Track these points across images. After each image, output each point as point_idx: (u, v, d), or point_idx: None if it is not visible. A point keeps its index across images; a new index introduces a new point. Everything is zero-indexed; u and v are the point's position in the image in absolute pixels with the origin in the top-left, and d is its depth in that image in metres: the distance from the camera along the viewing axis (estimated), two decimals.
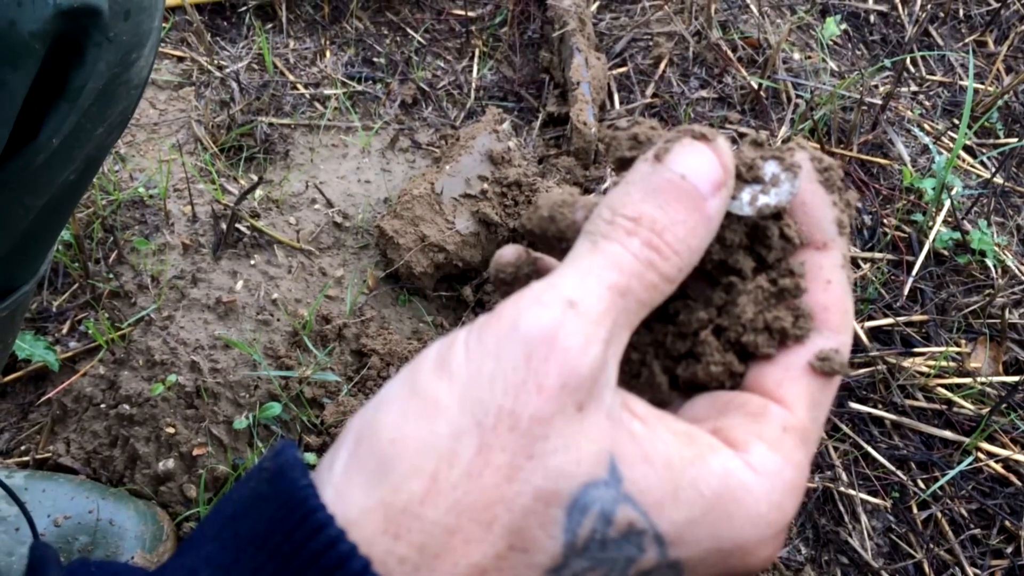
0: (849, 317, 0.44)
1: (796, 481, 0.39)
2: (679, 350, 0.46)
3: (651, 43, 1.79)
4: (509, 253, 0.48)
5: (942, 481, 1.30)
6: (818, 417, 0.42)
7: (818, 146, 1.62)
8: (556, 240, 0.46)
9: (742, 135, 1.68)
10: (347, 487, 0.35)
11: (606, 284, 0.38)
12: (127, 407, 1.24)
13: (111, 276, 1.37)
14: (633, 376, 0.47)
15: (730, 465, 0.38)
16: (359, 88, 1.68)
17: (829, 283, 0.43)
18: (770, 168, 0.44)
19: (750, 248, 0.45)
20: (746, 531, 0.38)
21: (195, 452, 1.21)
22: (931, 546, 1.27)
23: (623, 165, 0.46)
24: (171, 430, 1.22)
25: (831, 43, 1.86)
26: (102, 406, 1.26)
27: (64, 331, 1.33)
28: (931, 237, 1.54)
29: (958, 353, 1.43)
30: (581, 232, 0.40)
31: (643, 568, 0.36)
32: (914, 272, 1.50)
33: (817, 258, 0.44)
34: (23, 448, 1.25)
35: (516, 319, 0.36)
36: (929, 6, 1.96)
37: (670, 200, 0.40)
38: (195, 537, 0.37)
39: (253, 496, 0.36)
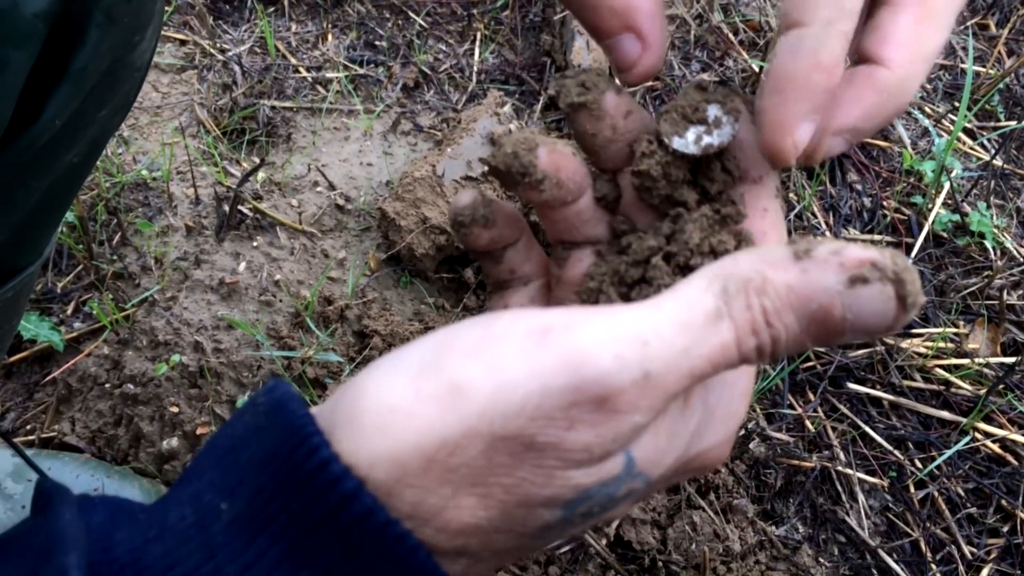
0: (785, 239, 0.46)
1: (747, 389, 0.44)
2: (633, 277, 0.49)
3: None
4: (465, 197, 0.50)
5: (939, 461, 1.31)
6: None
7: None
8: (519, 176, 0.47)
9: None
10: (344, 437, 0.36)
11: (692, 371, 0.37)
12: (131, 387, 1.25)
13: (115, 258, 1.38)
14: (591, 304, 0.50)
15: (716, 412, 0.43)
16: (361, 71, 1.69)
17: (766, 211, 0.47)
18: (713, 111, 0.47)
19: (694, 182, 0.49)
20: (720, 452, 0.43)
21: (199, 431, 1.23)
22: (927, 525, 1.28)
23: (574, 110, 0.49)
24: (175, 409, 1.24)
25: None
26: (107, 386, 1.27)
27: (69, 312, 1.34)
28: (930, 219, 1.54)
29: (956, 334, 1.43)
30: (714, 272, 0.38)
31: (621, 495, 0.38)
32: (913, 254, 1.51)
33: (754, 190, 0.47)
34: (29, 427, 1.27)
35: (585, 361, 0.35)
36: None
37: (817, 330, 0.38)
38: (193, 469, 0.38)
39: (252, 428, 0.37)
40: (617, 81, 0.49)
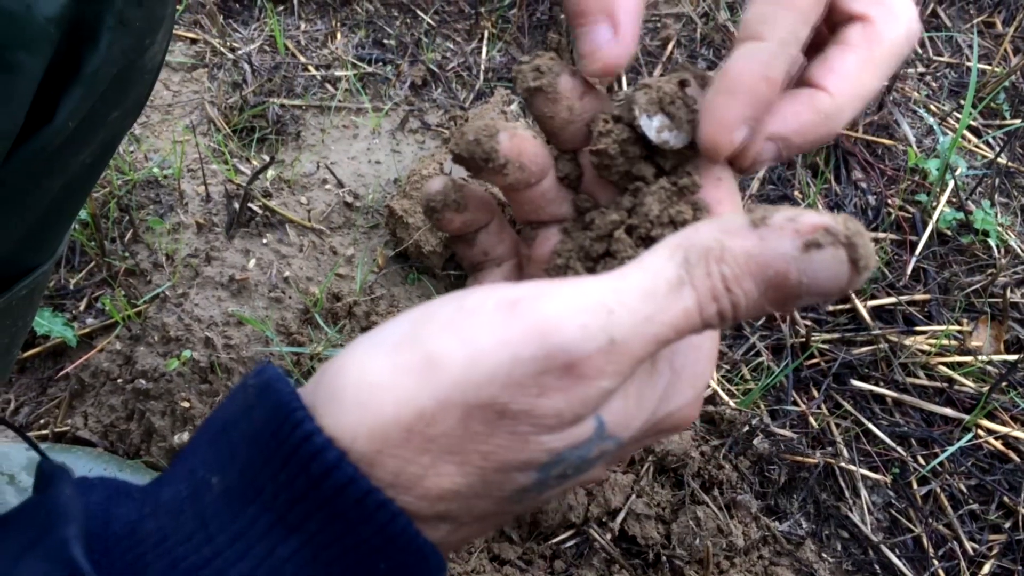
0: (739, 206, 0.48)
1: (712, 351, 0.46)
2: (597, 251, 0.51)
3: (659, 24, 1.80)
4: (437, 183, 0.52)
5: (942, 457, 1.32)
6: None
7: None
8: (482, 161, 0.49)
9: None
10: (327, 412, 0.38)
11: (656, 337, 0.39)
12: (143, 382, 1.27)
13: (127, 254, 1.40)
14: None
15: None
16: (369, 70, 1.70)
17: (719, 180, 0.49)
18: (683, 112, 0.48)
19: (650, 157, 0.51)
20: (688, 413, 0.45)
21: None
22: (930, 521, 1.29)
23: (531, 94, 0.50)
24: (186, 404, 1.25)
25: None
26: (119, 381, 1.29)
27: (81, 308, 1.36)
28: (935, 217, 1.55)
29: (959, 332, 1.44)
30: (676, 242, 0.40)
31: (593, 456, 0.40)
32: (917, 252, 1.52)
33: (708, 161, 0.49)
34: (42, 422, 1.28)
35: (551, 330, 0.37)
36: None
37: (774, 294, 0.39)
38: (187, 449, 0.40)
39: (242, 408, 0.39)
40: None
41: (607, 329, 0.37)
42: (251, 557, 0.36)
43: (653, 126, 0.48)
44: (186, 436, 1.23)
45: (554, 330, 0.37)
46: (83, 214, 1.36)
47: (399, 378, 0.38)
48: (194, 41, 1.70)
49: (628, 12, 0.46)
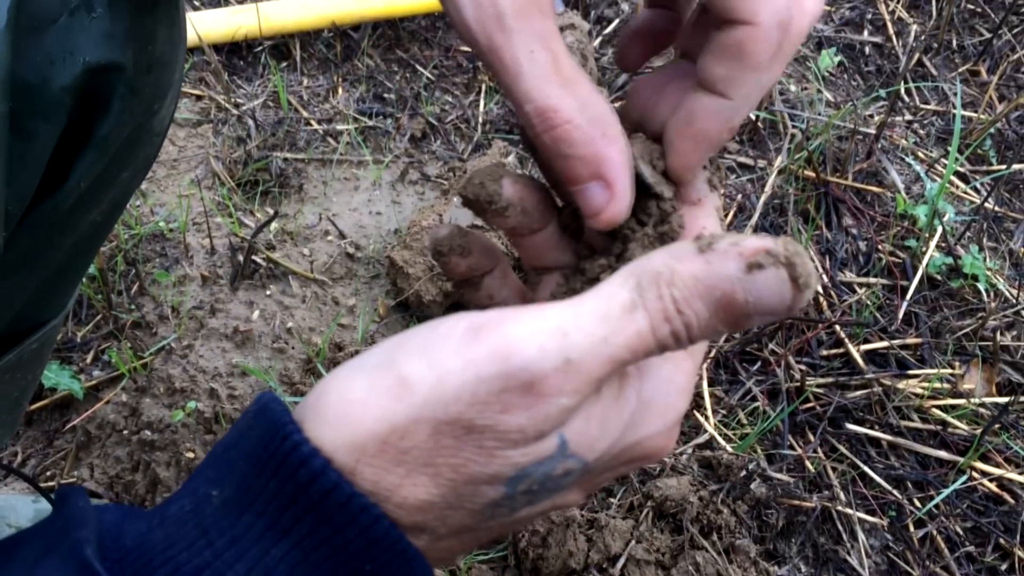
0: None
1: (686, 385, 0.48)
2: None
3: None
4: (444, 228, 0.54)
5: (937, 500, 1.33)
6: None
7: (813, 174, 1.67)
8: (486, 203, 0.52)
9: (741, 165, 1.73)
10: (315, 426, 0.41)
11: (612, 357, 0.41)
12: (149, 433, 1.29)
13: (133, 307, 1.43)
14: None
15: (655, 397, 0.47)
16: (370, 123, 1.74)
17: (704, 228, 0.52)
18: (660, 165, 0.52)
19: (634, 213, 0.53)
20: (655, 437, 0.47)
21: None
22: (927, 564, 1.30)
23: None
24: (191, 455, 1.27)
25: (827, 74, 1.91)
26: (125, 432, 1.31)
27: (88, 360, 1.39)
28: (924, 262, 1.58)
29: (952, 375, 1.46)
30: (629, 270, 0.43)
31: (557, 474, 0.43)
32: (908, 296, 1.55)
33: (694, 211, 0.52)
34: (49, 473, 1.30)
35: (512, 352, 0.40)
36: (923, 37, 2.01)
37: (725, 315, 0.42)
38: (195, 471, 0.44)
39: (242, 430, 0.43)
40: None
41: (563, 350, 0.40)
42: (247, 559, 0.40)
43: (647, 174, 0.51)
44: None
45: (515, 351, 0.40)
46: (91, 268, 1.39)
47: (375, 397, 0.41)
48: (199, 98, 1.75)
49: (617, 168, 0.48)
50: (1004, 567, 1.31)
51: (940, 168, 1.77)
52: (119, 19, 0.56)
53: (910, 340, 1.50)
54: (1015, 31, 2.05)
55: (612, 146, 0.48)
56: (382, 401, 0.41)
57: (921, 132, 1.85)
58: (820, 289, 1.55)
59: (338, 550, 0.40)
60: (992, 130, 1.82)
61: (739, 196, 1.68)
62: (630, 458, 0.47)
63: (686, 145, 0.49)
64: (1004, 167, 1.78)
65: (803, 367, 1.45)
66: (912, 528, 1.33)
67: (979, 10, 2.09)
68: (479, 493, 0.42)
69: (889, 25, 2.02)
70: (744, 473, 1.32)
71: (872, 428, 1.41)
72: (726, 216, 1.65)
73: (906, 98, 1.90)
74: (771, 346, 1.47)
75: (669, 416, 0.47)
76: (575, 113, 0.47)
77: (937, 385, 1.44)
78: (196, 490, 0.42)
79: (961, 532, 1.33)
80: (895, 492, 1.35)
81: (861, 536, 1.32)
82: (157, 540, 0.41)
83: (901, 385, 1.43)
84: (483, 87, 1.82)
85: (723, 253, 0.41)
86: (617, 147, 0.48)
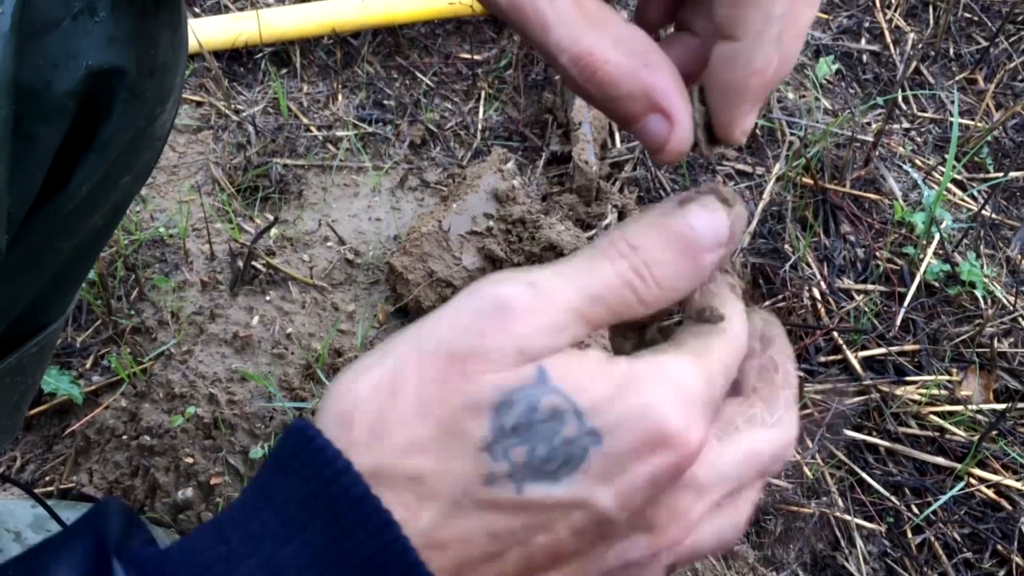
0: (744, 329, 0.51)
1: (705, 366, 0.45)
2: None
3: None
4: None
5: (935, 506, 1.34)
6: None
7: (812, 182, 1.68)
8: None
9: (740, 172, 1.74)
10: (320, 409, 0.43)
11: (578, 286, 0.43)
12: (148, 438, 1.29)
13: (133, 313, 1.43)
14: None
15: (646, 357, 0.44)
16: (370, 130, 1.75)
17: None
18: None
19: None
20: (656, 395, 0.42)
21: (213, 481, 1.26)
22: (925, 570, 1.30)
23: None
24: (190, 460, 1.28)
25: (825, 82, 1.92)
26: (124, 437, 1.31)
27: (88, 366, 1.39)
28: (922, 269, 1.58)
29: (949, 381, 1.47)
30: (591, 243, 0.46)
31: (567, 437, 0.41)
32: (906, 303, 1.55)
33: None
34: (48, 478, 1.30)
35: (479, 286, 0.43)
36: (920, 45, 2.02)
37: (671, 243, 0.45)
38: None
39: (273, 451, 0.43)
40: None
41: (528, 279, 0.42)
42: (260, 555, 0.39)
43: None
44: (190, 492, 1.25)
45: (485, 286, 0.42)
46: (91, 273, 1.39)
47: (362, 360, 0.43)
48: (199, 104, 1.75)
49: (669, 94, 0.47)
50: (1002, 573, 1.31)
51: (937, 175, 1.77)
52: (122, 23, 0.57)
53: (908, 347, 1.51)
54: (1012, 39, 2.05)
55: (658, 73, 0.47)
56: (370, 357, 0.43)
57: (918, 140, 1.86)
58: (818, 295, 1.55)
59: (349, 553, 0.39)
60: (989, 138, 1.83)
61: None
62: (642, 431, 0.42)
63: (719, 103, 0.48)
64: (1001, 174, 1.79)
65: (801, 373, 1.45)
66: (910, 534, 1.33)
67: (976, 19, 2.10)
68: (466, 431, 0.41)
69: (887, 33, 2.03)
70: None
71: (870, 435, 1.41)
72: None
73: (904, 106, 1.91)
74: None
75: (684, 386, 0.43)
76: (611, 51, 0.46)
77: (935, 392, 1.44)
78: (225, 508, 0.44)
79: (959, 538, 1.34)
80: (893, 498, 1.35)
81: (859, 542, 1.32)
82: (177, 542, 0.42)
83: (899, 392, 1.44)
84: (482, 94, 1.83)
85: (663, 203, 0.46)
86: (663, 73, 0.47)
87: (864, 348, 1.50)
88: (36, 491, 1.28)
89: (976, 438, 1.39)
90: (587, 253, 0.45)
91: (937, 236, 1.62)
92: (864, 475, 1.37)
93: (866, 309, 1.54)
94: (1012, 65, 2.00)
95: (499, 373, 0.41)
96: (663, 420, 0.41)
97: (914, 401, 1.43)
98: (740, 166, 1.74)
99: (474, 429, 0.40)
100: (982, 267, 1.60)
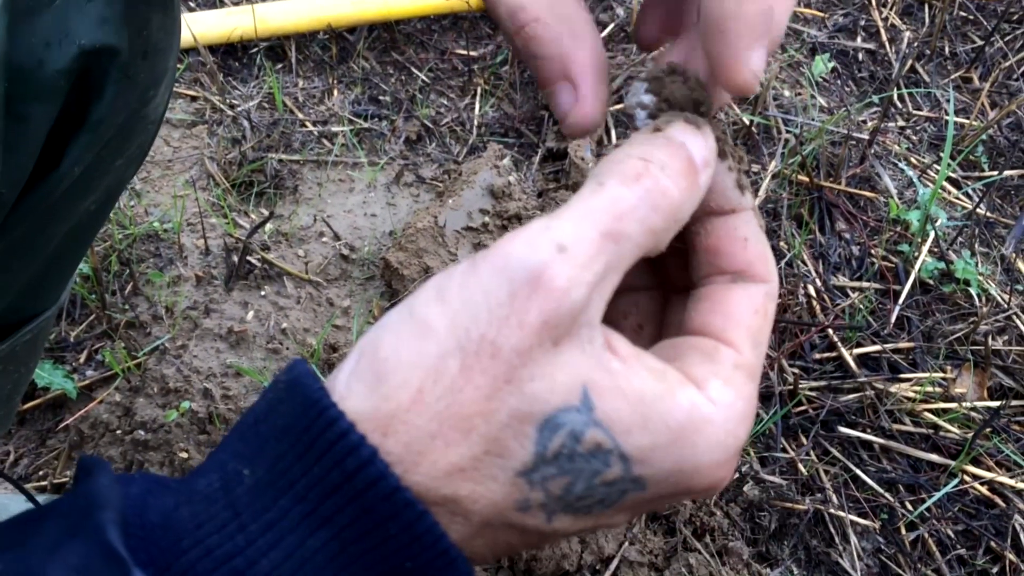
0: (771, 264, 0.49)
1: (747, 411, 0.44)
2: None
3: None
4: None
5: (929, 503, 1.34)
6: (760, 353, 0.47)
7: (807, 179, 1.68)
8: None
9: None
10: (348, 395, 0.40)
11: (600, 230, 0.41)
12: (142, 433, 1.29)
13: (127, 307, 1.43)
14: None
15: (695, 400, 0.42)
16: (365, 125, 1.75)
17: (746, 240, 0.48)
18: (676, 122, 0.48)
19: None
20: (705, 456, 0.42)
21: None
22: (919, 566, 1.30)
23: None
24: (184, 455, 1.27)
25: (820, 80, 1.92)
26: (118, 432, 1.31)
27: (82, 360, 1.39)
28: (917, 267, 1.58)
29: (943, 379, 1.47)
30: (588, 176, 0.44)
31: (608, 479, 0.41)
32: (900, 301, 1.55)
33: (730, 221, 0.49)
34: (41, 473, 1.30)
35: (507, 256, 0.40)
36: (916, 44, 2.02)
37: (672, 157, 0.43)
38: (221, 443, 0.43)
39: (272, 403, 0.41)
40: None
41: (552, 238, 0.40)
42: (283, 547, 0.38)
43: (632, 104, 0.49)
44: None
45: (509, 256, 0.40)
46: (84, 267, 1.39)
47: (403, 344, 0.40)
48: (194, 98, 1.75)
49: (583, 68, 0.48)
50: (995, 570, 1.31)
51: (932, 174, 1.78)
52: (114, 3, 0.56)
53: (902, 344, 1.51)
54: (1007, 38, 2.06)
55: (579, 45, 0.48)
56: (410, 345, 0.40)
57: (914, 138, 1.86)
58: (813, 293, 1.55)
59: (379, 544, 0.39)
60: (984, 136, 1.83)
61: None
62: (685, 485, 0.43)
63: (714, 45, 0.46)
64: (996, 173, 1.79)
65: (796, 371, 1.45)
66: (904, 531, 1.33)
67: (971, 17, 2.11)
68: (508, 451, 0.40)
69: (882, 32, 2.04)
70: (737, 475, 1.32)
71: (864, 431, 1.41)
72: None
73: (899, 104, 1.91)
74: None
75: (730, 443, 0.44)
76: (543, 11, 0.47)
77: (929, 389, 1.44)
78: (224, 464, 0.41)
79: (952, 535, 1.34)
80: (887, 495, 1.35)
81: (853, 539, 1.32)
82: (184, 518, 0.40)
83: (893, 389, 1.44)
84: (478, 90, 1.83)
85: (638, 133, 0.46)
86: (584, 47, 0.48)
87: (859, 345, 1.50)
88: (30, 486, 1.28)
89: (970, 435, 1.39)
90: (593, 183, 0.43)
91: (932, 234, 1.62)
92: (858, 472, 1.37)
93: (861, 306, 1.54)
94: (1007, 64, 2.00)
95: (543, 381, 0.40)
96: (710, 480, 0.43)
97: (908, 398, 1.43)
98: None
99: (516, 450, 0.40)
100: (977, 265, 1.61)
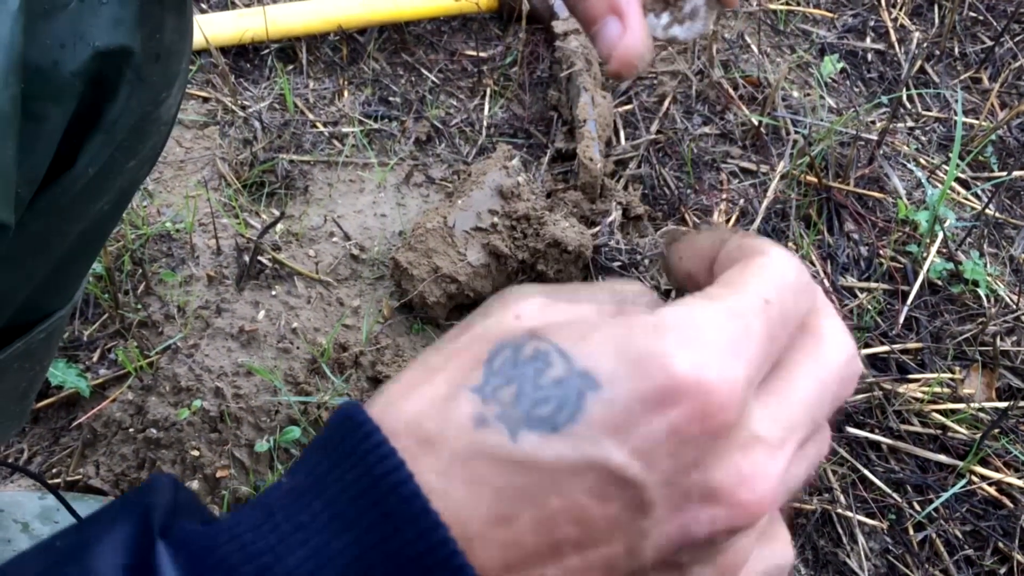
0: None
1: (715, 319, 0.39)
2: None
3: (655, 82, 1.86)
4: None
5: (937, 503, 1.34)
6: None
7: (816, 180, 1.68)
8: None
9: (744, 170, 1.74)
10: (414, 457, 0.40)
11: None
12: (154, 431, 1.30)
13: (140, 307, 1.44)
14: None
15: (640, 311, 0.41)
16: (375, 126, 1.76)
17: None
18: (691, 3, 0.51)
19: None
20: (655, 343, 0.37)
21: (218, 474, 1.27)
22: (927, 567, 1.31)
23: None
24: (196, 453, 1.28)
25: (829, 81, 1.93)
26: (130, 430, 1.32)
27: (95, 359, 1.40)
28: (925, 267, 1.59)
29: (952, 379, 1.47)
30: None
31: (554, 377, 0.38)
32: (909, 301, 1.55)
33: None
34: (55, 471, 1.31)
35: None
36: (925, 44, 2.02)
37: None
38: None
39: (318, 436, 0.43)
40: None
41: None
42: (309, 547, 0.39)
43: (659, 25, 0.51)
44: (196, 485, 1.26)
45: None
46: (98, 267, 1.40)
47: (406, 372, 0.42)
48: (206, 100, 1.76)
49: (630, 2, 0.49)
50: (1003, 571, 1.31)
51: (941, 174, 1.78)
52: (128, 6, 0.57)
53: (911, 345, 1.51)
54: (1017, 39, 2.06)
55: None
56: (420, 358, 0.42)
57: (923, 138, 1.86)
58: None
59: (394, 553, 0.38)
60: (993, 137, 1.83)
61: (741, 201, 1.69)
62: (650, 379, 0.37)
63: None
64: (1005, 173, 1.79)
65: None
66: (912, 531, 1.34)
67: (981, 18, 2.10)
68: (465, 383, 0.40)
69: (892, 32, 2.04)
70: None
71: (872, 432, 1.41)
72: (728, 221, 1.67)
73: (908, 105, 1.91)
74: None
75: (690, 335, 0.38)
76: None
77: (937, 389, 1.45)
78: (268, 489, 0.43)
79: (960, 536, 1.34)
80: (895, 495, 1.36)
81: (861, 539, 1.32)
82: (223, 523, 0.41)
83: (901, 389, 1.44)
84: (488, 91, 1.84)
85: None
86: None
87: (867, 346, 1.50)
88: None
89: (978, 436, 1.39)
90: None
91: (941, 234, 1.62)
92: (866, 472, 1.37)
93: (869, 307, 1.55)
94: (1017, 64, 2.00)
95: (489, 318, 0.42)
96: (669, 366, 0.36)
97: (917, 399, 1.44)
98: (744, 164, 1.75)
99: (471, 380, 0.40)
100: (985, 266, 1.61)
